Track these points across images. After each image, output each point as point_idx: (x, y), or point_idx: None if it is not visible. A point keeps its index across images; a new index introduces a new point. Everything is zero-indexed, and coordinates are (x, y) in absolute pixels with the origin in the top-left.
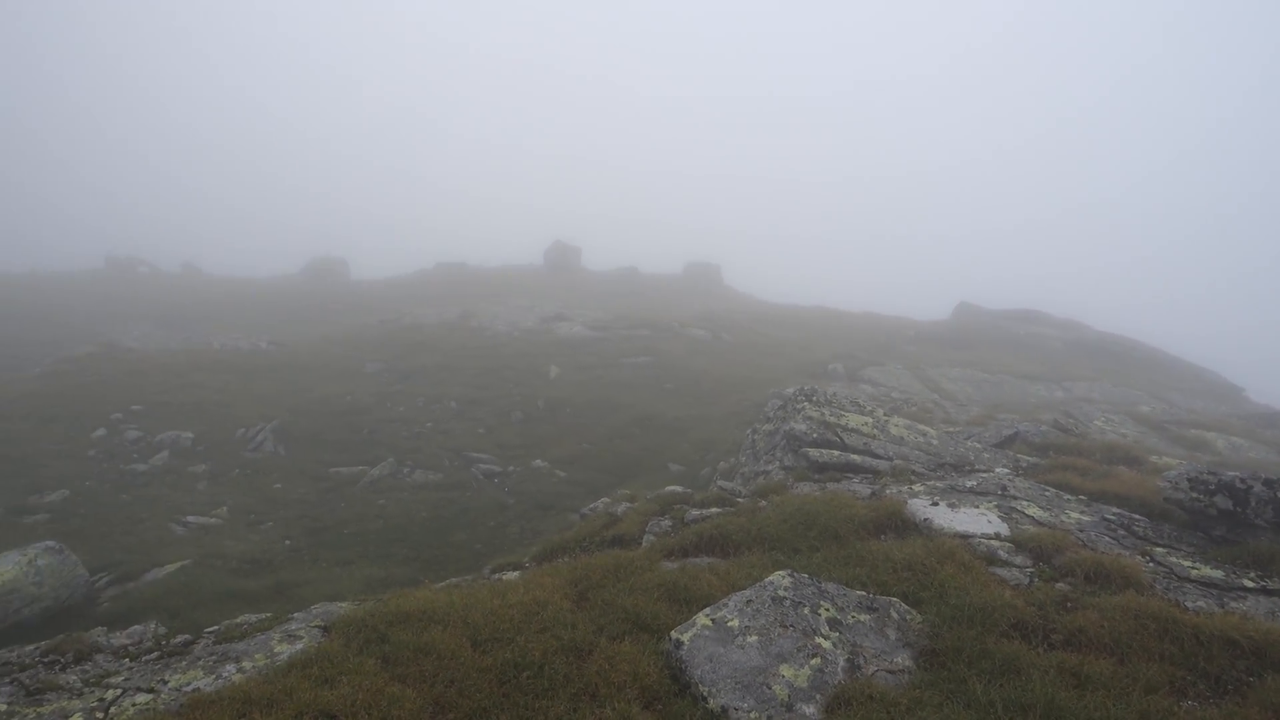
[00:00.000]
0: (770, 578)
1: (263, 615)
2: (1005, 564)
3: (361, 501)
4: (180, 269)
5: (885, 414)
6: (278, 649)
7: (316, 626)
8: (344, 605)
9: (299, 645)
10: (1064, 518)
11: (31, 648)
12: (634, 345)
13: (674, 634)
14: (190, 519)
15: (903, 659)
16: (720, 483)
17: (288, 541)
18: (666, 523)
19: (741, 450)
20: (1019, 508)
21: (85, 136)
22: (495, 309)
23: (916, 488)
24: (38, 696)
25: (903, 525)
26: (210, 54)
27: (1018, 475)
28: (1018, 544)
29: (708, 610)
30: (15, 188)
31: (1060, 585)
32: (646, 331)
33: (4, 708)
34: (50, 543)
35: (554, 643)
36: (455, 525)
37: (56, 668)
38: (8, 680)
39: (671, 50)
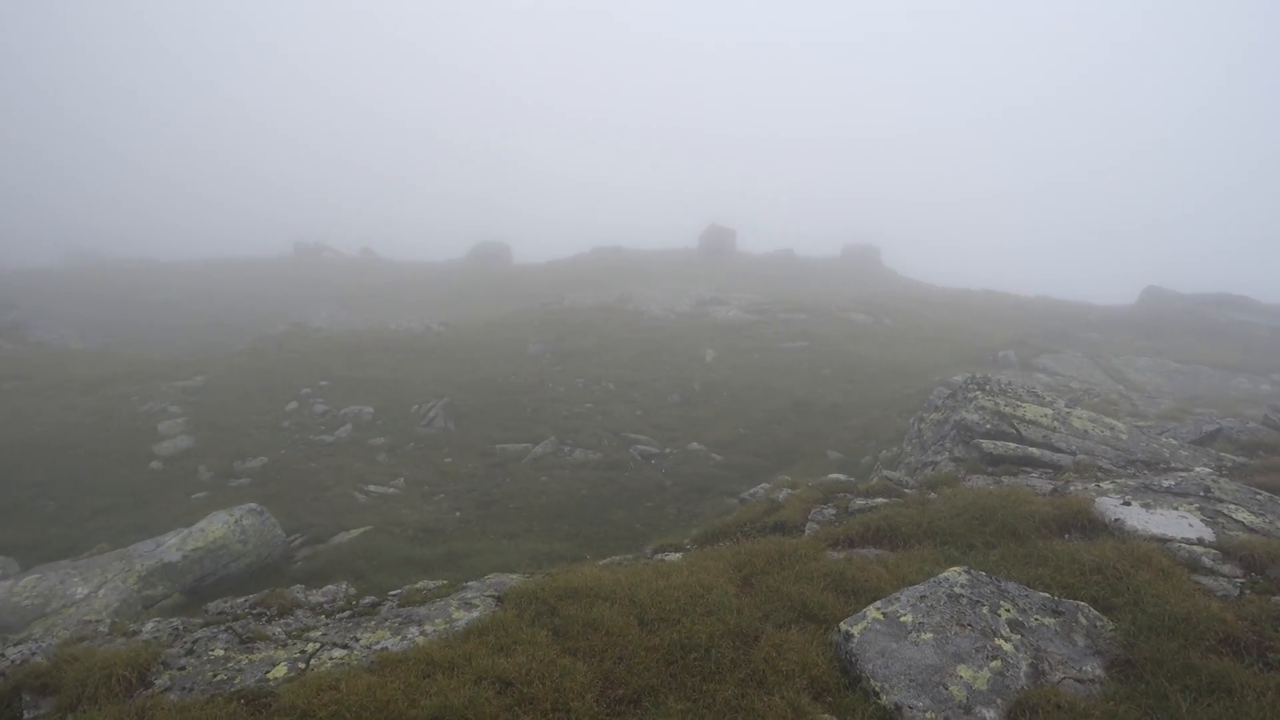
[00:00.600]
0: (945, 574)
1: (439, 582)
2: (1211, 572)
3: (525, 477)
4: (359, 254)
5: (1066, 405)
6: (456, 615)
7: (490, 596)
8: (515, 577)
9: (475, 613)
10: None
11: (242, 600)
12: (791, 329)
13: (843, 625)
14: (371, 488)
15: (1092, 668)
16: (884, 472)
17: (458, 513)
18: (830, 511)
19: (905, 439)
20: (1225, 511)
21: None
22: (651, 292)
23: (1104, 485)
24: (249, 644)
25: (1090, 525)
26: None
27: (1222, 476)
28: (1225, 551)
29: (878, 604)
30: (213, 182)
31: (1277, 599)
32: (803, 315)
33: (221, 652)
34: (253, 505)
35: (720, 626)
36: (614, 504)
37: (263, 619)
38: (224, 628)
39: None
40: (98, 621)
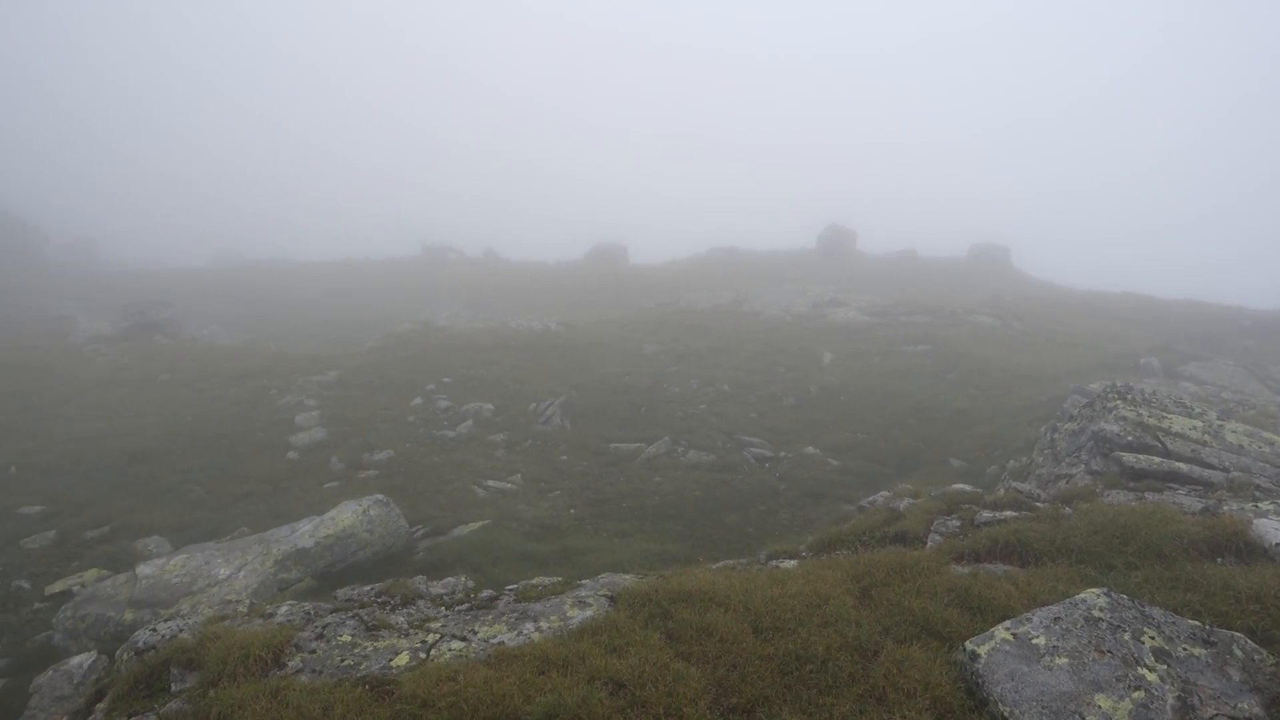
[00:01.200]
0: (1082, 595)
1: (554, 579)
2: None
3: (638, 477)
4: (482, 254)
5: (1218, 417)
6: (570, 613)
7: (604, 595)
8: (628, 577)
9: (588, 612)
10: None
11: (368, 588)
12: (913, 332)
13: (969, 644)
14: (490, 483)
15: (1249, 705)
16: (1013, 484)
17: (572, 510)
18: (954, 523)
19: (1036, 449)
20: None
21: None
22: (767, 293)
23: (1263, 505)
24: (374, 632)
25: (1246, 548)
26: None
27: None
28: None
29: (1007, 624)
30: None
31: None
32: (926, 318)
33: (349, 638)
34: (379, 496)
35: (837, 639)
36: (727, 506)
37: (387, 608)
38: (351, 615)
39: None
40: (237, 602)
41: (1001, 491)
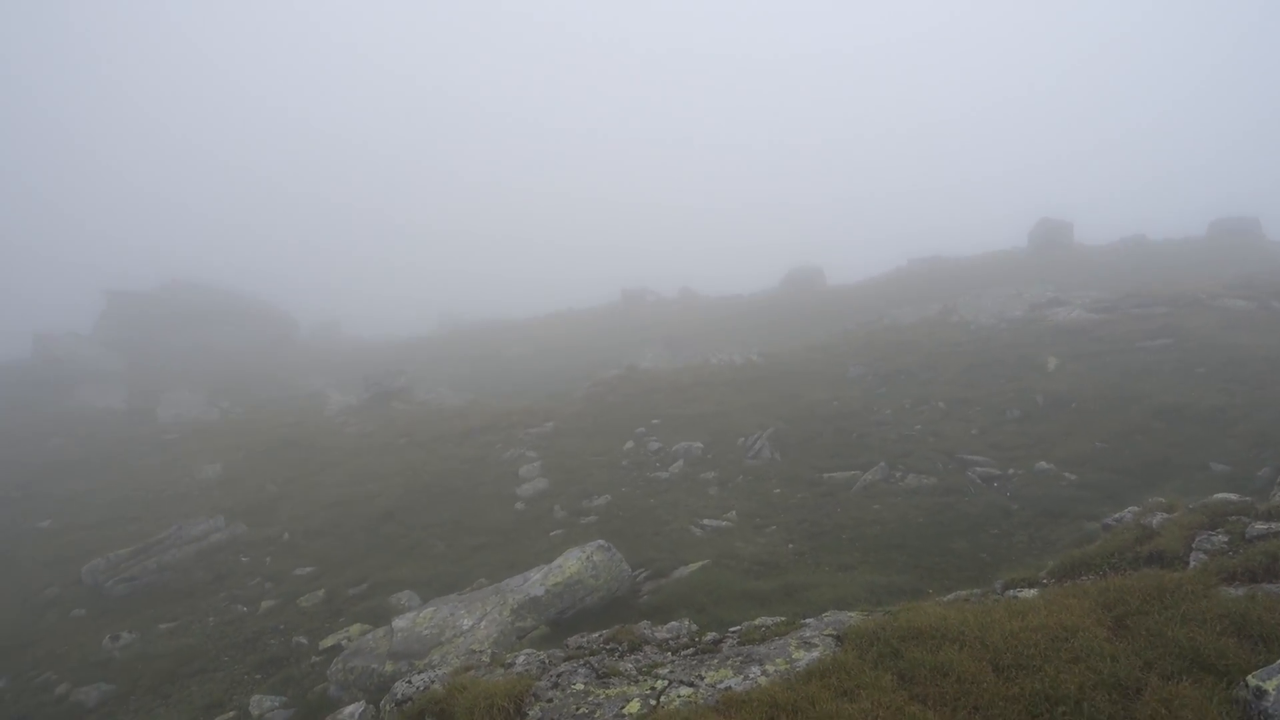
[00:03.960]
0: None
1: (777, 619)
2: None
3: (856, 506)
4: (678, 294)
5: None
6: (795, 655)
7: (829, 635)
8: (853, 615)
9: (814, 653)
10: None
11: (596, 635)
12: (1149, 325)
13: (1253, 679)
14: (706, 522)
15: None
16: None
17: (790, 545)
18: (1220, 538)
19: None
20: None
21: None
22: (978, 300)
23: None
24: (605, 679)
25: None
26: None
27: None
28: None
29: None
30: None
31: None
32: (1164, 308)
33: (581, 686)
34: (601, 542)
35: (1090, 676)
36: (954, 532)
37: (616, 655)
38: (582, 662)
39: None
40: (480, 651)
41: (1278, 499)
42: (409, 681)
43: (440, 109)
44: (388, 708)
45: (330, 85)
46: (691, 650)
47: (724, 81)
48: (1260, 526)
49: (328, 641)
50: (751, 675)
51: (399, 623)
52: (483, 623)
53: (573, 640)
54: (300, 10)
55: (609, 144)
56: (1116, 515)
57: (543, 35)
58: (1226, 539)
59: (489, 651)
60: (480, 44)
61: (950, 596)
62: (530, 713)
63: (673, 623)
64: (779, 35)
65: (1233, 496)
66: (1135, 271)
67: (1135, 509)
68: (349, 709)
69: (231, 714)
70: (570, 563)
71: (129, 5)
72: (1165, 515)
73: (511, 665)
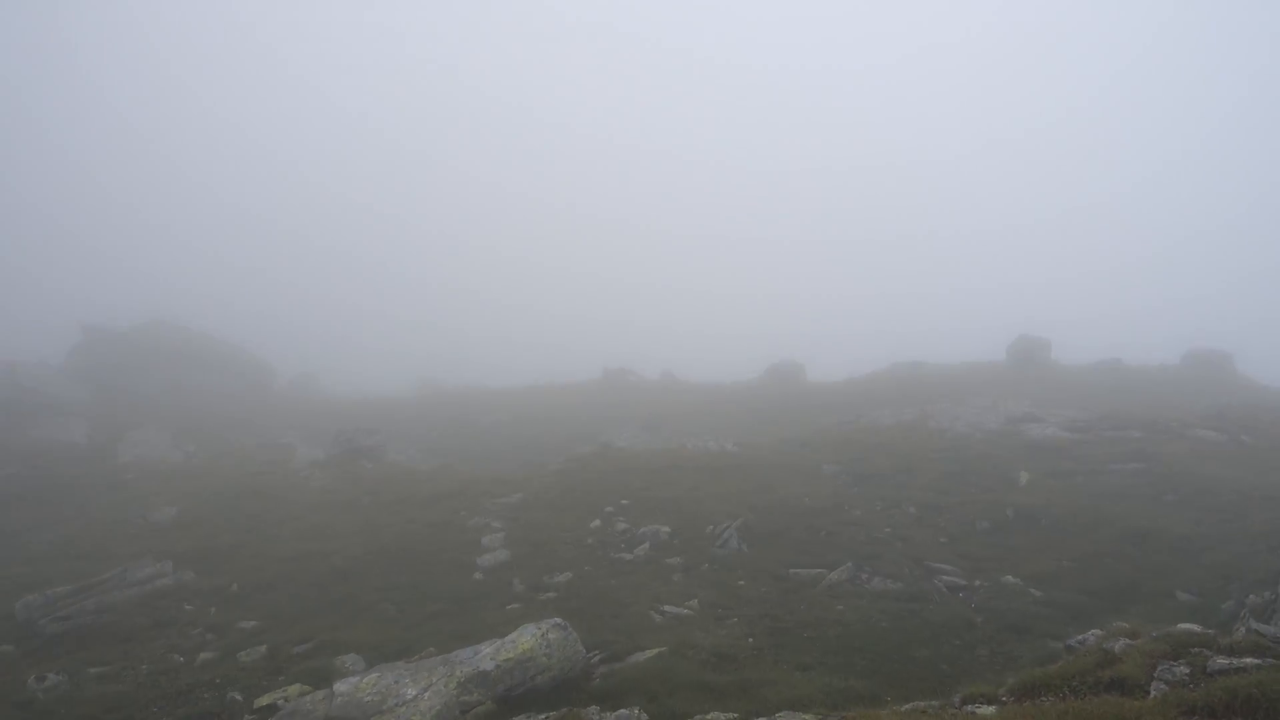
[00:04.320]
0: None
1: (730, 715)
2: None
3: (820, 605)
4: (659, 376)
5: None
6: None
7: None
8: (807, 718)
9: None
10: None
11: (542, 717)
12: (1122, 449)
13: None
14: (666, 608)
15: None
16: (1254, 624)
17: (750, 639)
18: (1182, 670)
19: None
20: None
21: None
22: (955, 409)
23: None
24: None
25: None
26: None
27: None
28: None
29: None
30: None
31: None
32: (1137, 433)
33: None
34: (557, 620)
35: None
36: (916, 640)
37: None
38: None
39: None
40: None
41: (1240, 633)
42: None
43: (437, 170)
44: None
45: (328, 131)
46: None
47: (721, 178)
48: (1222, 661)
49: (264, 700)
50: None
51: (340, 686)
52: (427, 694)
53: None
54: (299, 46)
55: (598, 224)
56: (1080, 636)
57: (531, 119)
58: (1188, 671)
59: None
60: (476, 116)
61: (908, 707)
62: None
63: (623, 710)
64: (782, 147)
65: (1196, 628)
66: (1110, 394)
67: (1099, 632)
68: None
69: None
70: (524, 639)
71: (129, 30)
72: (1129, 641)
73: None
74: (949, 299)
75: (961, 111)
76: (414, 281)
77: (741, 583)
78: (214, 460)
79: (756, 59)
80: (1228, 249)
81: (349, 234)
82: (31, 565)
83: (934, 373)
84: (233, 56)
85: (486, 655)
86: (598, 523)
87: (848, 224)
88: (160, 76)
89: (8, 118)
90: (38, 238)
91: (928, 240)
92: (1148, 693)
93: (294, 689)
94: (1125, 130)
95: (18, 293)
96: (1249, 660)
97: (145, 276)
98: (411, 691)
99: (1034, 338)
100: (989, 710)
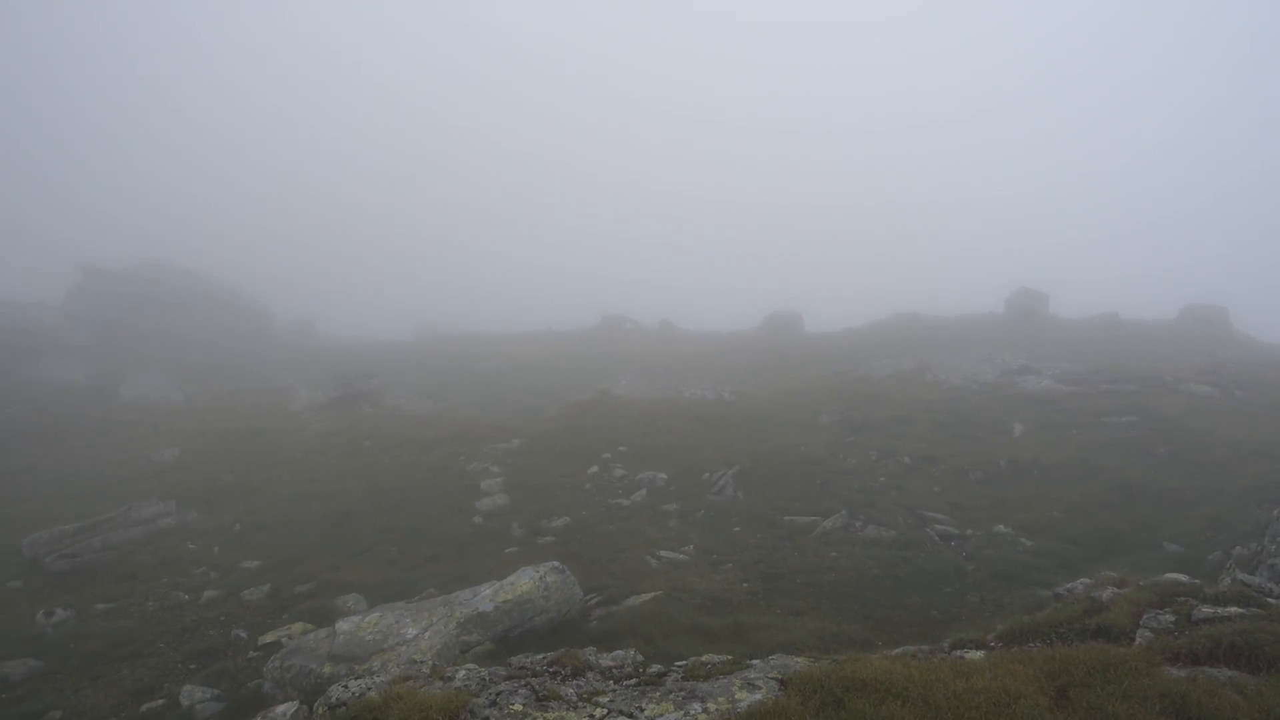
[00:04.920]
0: None
1: (724, 657)
2: None
3: (814, 552)
4: (658, 325)
5: None
6: (738, 695)
7: (774, 679)
8: (799, 661)
9: (757, 695)
10: None
11: (541, 657)
12: (1116, 402)
13: None
14: (663, 553)
15: None
16: (1239, 575)
17: (745, 584)
18: (1167, 618)
19: (1268, 535)
20: None
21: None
22: (952, 360)
23: None
24: (544, 703)
25: None
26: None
27: None
28: None
29: None
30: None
31: None
32: (1131, 386)
33: (520, 707)
34: (555, 563)
35: None
36: (908, 586)
37: (558, 679)
38: (523, 683)
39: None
40: (422, 662)
41: (1226, 583)
42: (345, 686)
43: (443, 126)
44: (321, 710)
45: (334, 88)
46: (635, 681)
47: (727, 144)
48: (1207, 610)
49: (268, 637)
50: (692, 712)
51: (343, 625)
52: (427, 633)
53: (516, 660)
54: (308, 7)
55: (599, 183)
56: (1068, 585)
57: (548, 85)
58: (1173, 619)
59: (430, 663)
60: (485, 78)
61: (898, 651)
62: None
63: (619, 651)
64: (792, 112)
65: (1183, 578)
66: (1106, 347)
67: (1087, 581)
68: (281, 708)
69: (160, 702)
70: (523, 581)
71: None
72: (1116, 590)
73: (451, 679)
74: (951, 260)
75: (966, 79)
76: (414, 231)
77: (737, 529)
78: (215, 401)
79: (768, 25)
80: (1228, 217)
81: (349, 188)
82: (37, 503)
83: (932, 324)
84: (238, 9)
85: (486, 597)
86: (595, 469)
87: (853, 190)
88: (162, 28)
89: (8, 63)
90: (34, 182)
91: (929, 207)
92: (1133, 640)
93: (297, 627)
94: (1132, 99)
95: (15, 237)
96: (1233, 609)
97: (141, 222)
98: (412, 631)
99: (1032, 290)
100: (978, 655)
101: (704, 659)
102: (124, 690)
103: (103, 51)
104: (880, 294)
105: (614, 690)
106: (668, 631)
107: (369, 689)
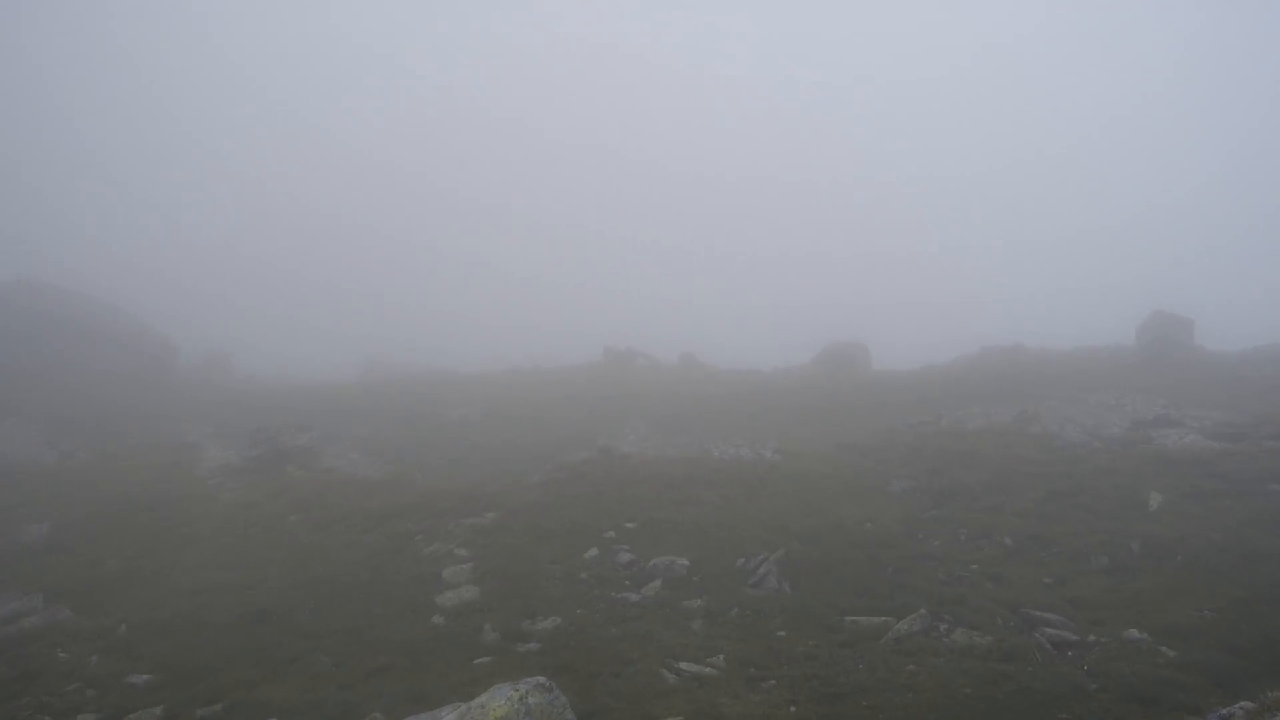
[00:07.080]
0: None
1: None
2: None
3: (884, 664)
4: (678, 361)
5: None
6: None
7: None
8: None
9: None
10: None
11: None
12: None
13: None
14: (683, 665)
15: None
16: None
17: (793, 708)
18: None
19: None
20: None
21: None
22: (1067, 408)
23: None
24: None
25: None
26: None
27: None
28: None
29: None
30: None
31: None
32: None
33: None
34: (541, 679)
35: None
36: (1011, 711)
37: None
38: None
39: None
40: None
41: None
42: None
43: (420, 104)
44: None
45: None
46: None
47: (759, 107)
48: None
49: None
50: None
51: None
52: None
53: None
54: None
55: (605, 163)
56: (1226, 709)
57: (550, 43)
58: None
59: None
60: (474, 41)
61: None
62: None
63: None
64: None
65: None
66: (1272, 390)
67: (1249, 705)
68: None
69: None
70: (497, 704)
71: None
72: None
73: None
74: (1066, 274)
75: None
76: (361, 243)
77: (782, 634)
78: (98, 462)
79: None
80: None
81: (279, 191)
82: None
83: (1039, 360)
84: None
85: None
86: (595, 552)
87: (927, 159)
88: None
89: None
90: None
91: (1040, 244)
92: None
93: None
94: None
95: None
96: None
97: (15, 233)
98: None
99: (1172, 315)
100: None
101: None
102: None
103: None
104: (970, 315)
105: None
106: None
107: None
